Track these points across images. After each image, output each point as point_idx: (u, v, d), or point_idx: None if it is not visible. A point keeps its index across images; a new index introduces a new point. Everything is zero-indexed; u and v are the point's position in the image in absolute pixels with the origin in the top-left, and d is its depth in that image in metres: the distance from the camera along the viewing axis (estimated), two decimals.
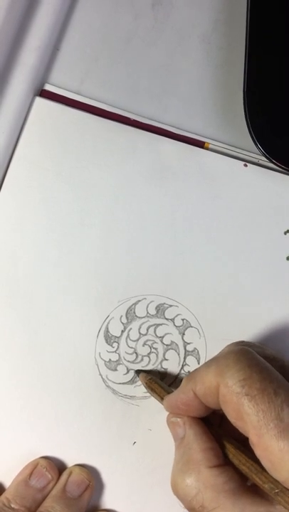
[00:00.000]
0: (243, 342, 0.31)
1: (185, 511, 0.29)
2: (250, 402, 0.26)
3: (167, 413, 0.32)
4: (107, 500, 0.35)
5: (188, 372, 0.34)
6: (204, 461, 0.28)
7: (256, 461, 0.27)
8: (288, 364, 0.30)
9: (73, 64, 0.39)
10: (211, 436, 0.29)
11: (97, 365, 0.36)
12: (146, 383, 0.34)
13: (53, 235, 0.37)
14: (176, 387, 0.32)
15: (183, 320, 0.36)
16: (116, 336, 0.36)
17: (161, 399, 0.33)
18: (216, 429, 0.30)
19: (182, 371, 0.36)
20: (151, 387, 0.34)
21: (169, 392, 0.32)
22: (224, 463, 0.28)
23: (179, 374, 0.36)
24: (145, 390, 0.35)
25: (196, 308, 0.36)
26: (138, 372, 0.36)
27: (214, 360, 0.29)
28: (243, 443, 0.29)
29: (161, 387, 0.33)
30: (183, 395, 0.30)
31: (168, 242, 0.37)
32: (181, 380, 0.31)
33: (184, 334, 0.36)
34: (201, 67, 0.40)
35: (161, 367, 0.36)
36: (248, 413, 0.26)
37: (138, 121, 0.39)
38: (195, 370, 0.30)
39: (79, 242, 0.37)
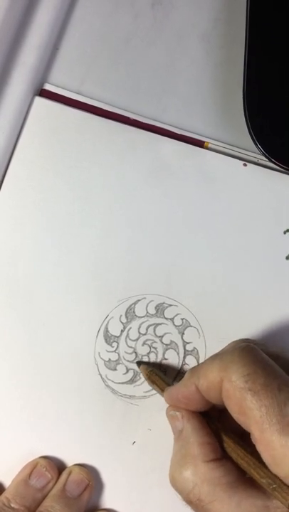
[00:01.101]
0: (247, 340, 0.31)
1: (184, 504, 0.29)
2: (254, 397, 0.26)
3: (167, 407, 0.32)
4: (107, 500, 0.35)
5: (170, 379, 0.34)
6: (201, 455, 0.28)
7: (255, 455, 0.27)
8: None
9: (73, 63, 0.39)
10: (209, 431, 0.30)
11: (97, 364, 0.36)
12: (146, 375, 0.34)
13: (52, 235, 0.37)
14: None
15: (182, 319, 0.36)
16: (115, 336, 0.36)
17: (162, 391, 0.33)
18: (215, 423, 0.30)
19: (181, 371, 0.36)
20: (151, 379, 0.34)
21: (169, 385, 0.32)
22: (221, 457, 0.29)
23: (178, 373, 0.36)
24: (145, 390, 0.35)
25: (195, 307, 0.36)
26: (139, 363, 0.36)
27: (218, 355, 0.29)
28: (241, 438, 0.29)
29: (162, 380, 0.33)
30: (184, 389, 0.30)
31: (167, 241, 0.37)
32: (180, 380, 0.31)
33: (183, 334, 0.36)
34: (201, 67, 0.40)
35: (161, 366, 0.36)
36: (250, 408, 0.26)
37: (138, 121, 0.39)
38: (198, 364, 0.30)
39: (79, 242, 0.37)
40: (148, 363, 0.36)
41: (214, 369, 0.28)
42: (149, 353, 0.36)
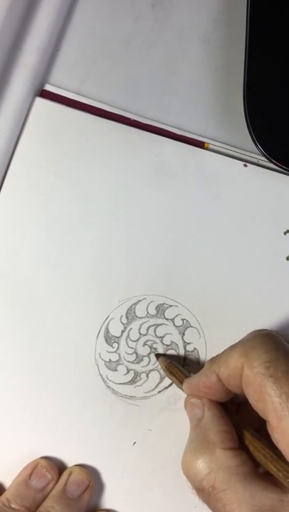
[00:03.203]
0: (267, 329, 0.31)
1: (195, 496, 0.29)
2: (274, 384, 0.26)
3: (185, 397, 0.32)
4: (107, 501, 0.35)
5: (189, 372, 0.34)
6: (219, 442, 0.28)
7: (272, 448, 0.27)
8: None
9: (73, 64, 0.39)
10: (228, 420, 0.30)
11: (97, 365, 0.36)
12: (165, 366, 0.34)
13: (53, 236, 0.37)
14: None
15: (183, 320, 0.36)
16: (116, 336, 0.36)
17: (180, 382, 0.33)
18: (233, 415, 0.30)
19: None
20: (170, 371, 0.34)
21: (188, 376, 0.33)
22: (239, 447, 0.28)
23: None
24: (145, 390, 0.35)
25: (195, 308, 0.36)
26: (158, 355, 0.36)
27: (239, 342, 0.29)
28: (259, 432, 0.29)
29: (181, 371, 0.33)
30: (205, 378, 0.30)
31: (168, 242, 0.37)
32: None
33: (183, 334, 0.36)
34: (201, 68, 0.40)
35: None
36: (270, 394, 0.26)
37: (138, 122, 0.39)
38: (218, 354, 0.30)
39: (79, 243, 0.37)
40: (166, 355, 0.36)
41: (235, 355, 0.28)
42: (149, 354, 0.36)
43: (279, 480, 0.27)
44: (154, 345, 0.36)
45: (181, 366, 0.34)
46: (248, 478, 0.27)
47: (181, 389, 0.32)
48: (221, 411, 0.30)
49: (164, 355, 0.36)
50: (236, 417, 0.30)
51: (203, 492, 0.28)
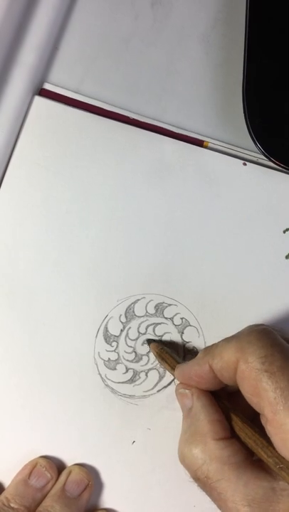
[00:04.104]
0: (263, 324, 0.31)
1: (194, 495, 0.29)
2: (270, 379, 0.26)
3: (176, 386, 0.32)
4: (107, 500, 0.35)
5: (181, 358, 0.34)
6: (211, 433, 0.29)
7: (263, 435, 0.27)
8: None
9: (73, 63, 0.39)
10: (218, 409, 0.30)
11: (96, 364, 0.36)
12: (157, 352, 0.34)
13: (52, 234, 0.37)
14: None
15: (182, 319, 0.36)
16: (115, 335, 0.36)
17: (172, 369, 0.33)
18: (224, 401, 0.30)
19: None
20: (162, 357, 0.34)
21: (179, 363, 0.33)
22: (231, 436, 0.29)
23: None
24: (144, 389, 0.35)
25: (195, 307, 0.36)
26: (149, 341, 0.36)
27: (235, 336, 0.29)
28: (252, 422, 0.29)
29: (172, 357, 0.34)
30: (198, 367, 0.30)
31: (167, 240, 0.37)
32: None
33: (182, 333, 0.36)
34: (201, 67, 0.40)
35: (160, 366, 0.36)
36: (265, 389, 0.26)
37: (137, 120, 0.39)
38: (213, 344, 0.30)
39: (78, 241, 0.37)
40: (158, 341, 0.36)
41: (230, 349, 0.28)
42: (148, 353, 0.36)
43: (270, 467, 0.27)
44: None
45: (172, 352, 0.34)
46: (241, 467, 0.27)
47: (173, 375, 0.33)
48: (211, 399, 0.30)
49: (155, 341, 0.36)
50: (227, 404, 0.30)
51: (199, 481, 0.28)
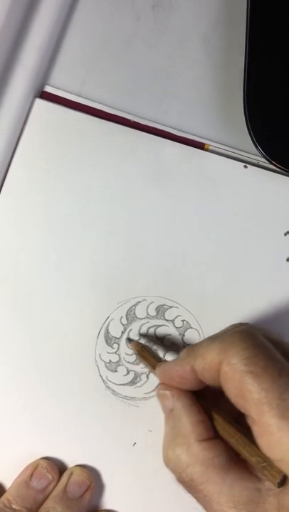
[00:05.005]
0: (247, 324, 0.31)
1: (184, 503, 0.29)
2: (254, 380, 0.26)
3: (157, 386, 0.32)
4: (108, 501, 0.35)
5: (161, 357, 0.34)
6: (194, 434, 0.28)
7: (245, 434, 0.27)
8: None
9: (74, 65, 0.39)
10: (200, 409, 0.29)
11: (98, 366, 0.36)
12: (137, 351, 0.34)
13: (53, 237, 0.37)
14: None
15: (183, 321, 0.37)
16: (116, 337, 0.36)
17: (152, 367, 0.33)
18: (206, 401, 0.30)
19: None
20: (142, 355, 0.34)
21: (160, 361, 0.32)
22: (214, 437, 0.28)
23: None
24: (145, 391, 0.35)
25: (196, 309, 0.36)
26: (130, 340, 0.36)
27: (218, 337, 0.29)
28: (238, 422, 0.29)
29: (153, 356, 0.33)
30: (180, 367, 0.30)
31: (168, 243, 0.37)
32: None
33: (183, 335, 0.36)
34: (202, 69, 0.40)
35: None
36: (250, 391, 0.26)
37: (138, 123, 0.39)
38: (196, 344, 0.30)
39: (79, 244, 0.37)
40: (139, 339, 0.36)
41: (213, 351, 0.28)
42: None
43: (254, 466, 0.27)
44: (154, 346, 0.36)
45: (153, 351, 0.34)
46: (226, 468, 0.27)
47: (154, 373, 0.32)
48: (192, 400, 0.30)
49: (136, 339, 0.36)
50: (209, 403, 0.30)
51: (185, 484, 0.28)
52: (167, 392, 0.31)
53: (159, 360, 0.33)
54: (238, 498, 0.26)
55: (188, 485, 0.28)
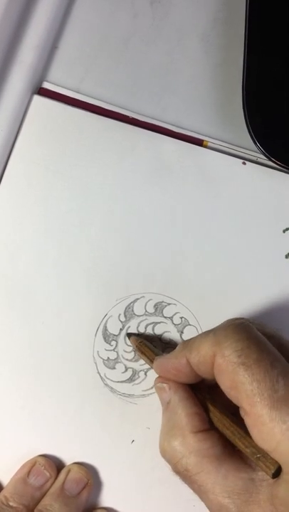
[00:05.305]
0: (242, 318, 0.31)
1: (194, 494, 0.29)
2: (246, 372, 0.26)
3: (155, 379, 0.32)
4: (106, 499, 0.35)
5: (160, 350, 0.34)
6: (189, 426, 0.29)
7: (240, 426, 0.27)
8: (286, 342, 0.30)
9: (72, 62, 0.39)
10: (196, 401, 0.30)
11: (96, 363, 0.36)
12: (136, 346, 0.35)
13: (51, 234, 0.37)
14: None
15: (181, 318, 0.36)
16: (114, 334, 0.36)
17: (151, 362, 0.33)
18: (203, 393, 0.30)
19: None
20: (141, 350, 0.34)
21: (159, 356, 0.33)
22: (209, 428, 0.29)
23: None
24: (144, 388, 0.35)
25: (194, 306, 0.36)
26: (129, 335, 0.36)
27: (212, 330, 0.29)
28: (233, 415, 0.29)
29: (151, 350, 0.34)
30: (175, 360, 0.30)
31: (166, 240, 0.37)
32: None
33: (182, 332, 0.36)
34: (200, 66, 0.40)
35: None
36: (242, 382, 0.26)
37: (137, 120, 0.39)
38: (191, 338, 0.30)
39: (78, 241, 0.37)
40: (138, 335, 0.36)
41: (207, 343, 0.28)
42: None
43: (248, 457, 0.27)
44: (152, 343, 0.36)
45: (152, 345, 0.34)
46: (220, 459, 0.27)
47: (152, 367, 0.33)
48: (189, 392, 0.30)
49: (135, 334, 0.36)
50: (206, 395, 0.30)
51: (180, 474, 0.28)
52: (165, 385, 0.31)
53: (157, 354, 0.33)
54: (232, 488, 0.26)
55: (184, 475, 0.28)
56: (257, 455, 0.26)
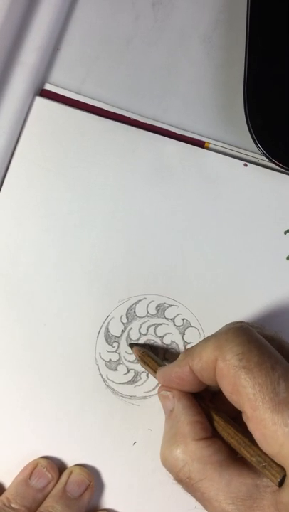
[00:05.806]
0: (242, 322, 0.31)
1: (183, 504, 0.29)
2: (247, 375, 0.26)
3: (158, 387, 0.32)
4: (108, 500, 0.35)
5: (163, 360, 0.34)
6: (191, 434, 0.28)
7: (245, 434, 0.27)
8: (286, 344, 0.30)
9: (74, 64, 0.39)
10: (199, 410, 0.30)
11: (98, 365, 0.36)
12: (139, 356, 0.34)
13: (53, 235, 0.37)
14: None
15: (183, 320, 0.36)
16: (116, 336, 0.36)
17: (154, 372, 0.33)
18: (206, 402, 0.30)
19: None
20: (144, 360, 0.34)
21: (161, 366, 0.33)
22: (212, 436, 0.29)
23: None
24: (145, 390, 0.35)
25: (196, 307, 0.36)
26: (132, 345, 0.36)
27: (213, 335, 0.29)
28: (235, 421, 0.29)
29: (154, 361, 0.33)
30: (178, 369, 0.30)
31: (168, 241, 0.37)
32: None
33: (184, 334, 0.36)
34: (202, 67, 0.40)
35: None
36: (244, 386, 0.26)
37: (138, 121, 0.39)
38: (193, 345, 0.30)
39: (79, 242, 0.37)
40: (141, 345, 0.36)
41: (208, 348, 0.28)
42: None
43: (254, 465, 0.27)
44: (154, 345, 0.36)
45: (155, 355, 0.34)
46: (223, 465, 0.27)
47: (156, 378, 0.32)
48: (192, 401, 0.30)
49: (137, 344, 0.36)
50: (209, 404, 0.30)
51: (182, 483, 0.28)
52: (168, 393, 0.31)
53: (160, 364, 0.33)
54: (236, 494, 0.26)
55: (186, 483, 0.28)
56: (263, 463, 0.26)
